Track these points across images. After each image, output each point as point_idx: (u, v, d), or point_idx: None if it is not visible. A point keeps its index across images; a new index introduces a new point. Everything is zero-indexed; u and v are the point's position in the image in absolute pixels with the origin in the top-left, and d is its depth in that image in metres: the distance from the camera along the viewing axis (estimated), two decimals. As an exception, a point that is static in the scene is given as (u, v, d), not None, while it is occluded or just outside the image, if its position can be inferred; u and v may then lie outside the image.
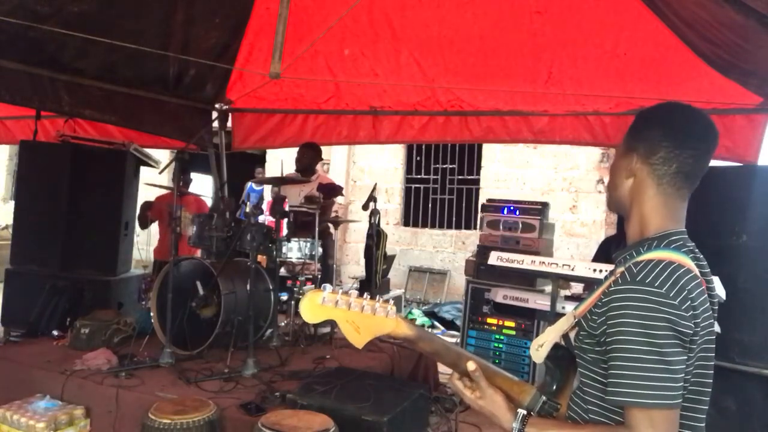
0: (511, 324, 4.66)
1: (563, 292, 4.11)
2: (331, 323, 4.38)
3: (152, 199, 5.85)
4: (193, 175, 6.21)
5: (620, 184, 1.35)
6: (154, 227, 5.98)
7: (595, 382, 1.26)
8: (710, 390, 1.25)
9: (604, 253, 4.45)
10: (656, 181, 1.30)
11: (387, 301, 1.26)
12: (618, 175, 1.36)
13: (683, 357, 1.16)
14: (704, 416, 1.24)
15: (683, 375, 1.16)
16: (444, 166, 9.56)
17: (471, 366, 1.29)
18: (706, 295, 1.23)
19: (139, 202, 5.71)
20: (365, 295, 1.26)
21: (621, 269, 1.27)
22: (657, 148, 1.29)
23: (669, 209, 1.31)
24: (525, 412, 1.26)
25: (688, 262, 1.23)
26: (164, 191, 5.74)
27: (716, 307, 1.29)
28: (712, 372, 1.24)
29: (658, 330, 1.14)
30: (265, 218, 5.97)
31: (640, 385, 1.13)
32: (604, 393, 1.23)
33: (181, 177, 5.65)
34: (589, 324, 1.27)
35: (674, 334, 1.14)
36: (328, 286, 1.25)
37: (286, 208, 4.60)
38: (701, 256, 1.29)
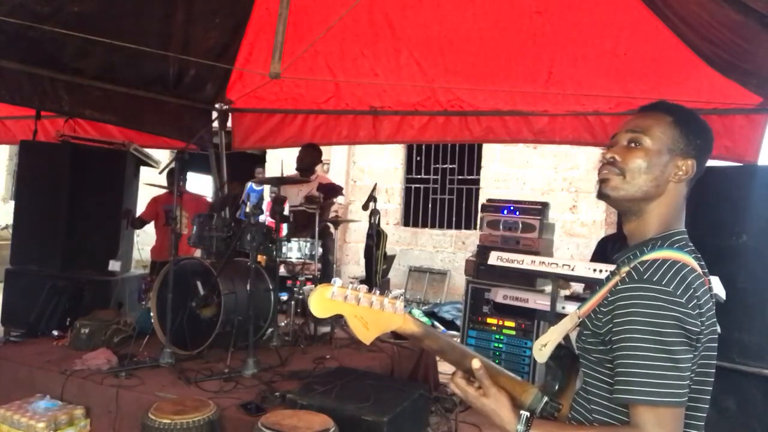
0: (511, 324, 4.65)
1: (563, 292, 4.11)
2: (332, 323, 4.43)
3: (149, 200, 5.85)
4: (194, 176, 6.20)
5: (661, 184, 1.30)
6: (151, 228, 5.97)
7: (600, 382, 1.26)
8: (711, 389, 1.25)
9: (601, 253, 4.45)
10: (688, 186, 1.33)
11: (395, 297, 1.25)
12: (660, 175, 1.30)
13: (690, 355, 1.16)
14: (704, 415, 1.25)
15: (689, 374, 1.16)
16: (444, 166, 9.56)
17: (476, 364, 1.29)
18: (709, 294, 1.24)
19: (140, 202, 5.71)
20: (374, 290, 1.25)
21: (625, 269, 1.27)
22: (704, 156, 1.33)
23: (681, 210, 1.34)
24: (528, 413, 1.25)
25: (691, 261, 1.24)
26: (160, 192, 5.73)
27: (715, 307, 1.30)
28: (714, 371, 1.25)
29: (667, 328, 1.14)
30: (266, 218, 5.98)
31: (648, 383, 1.13)
32: (608, 393, 1.23)
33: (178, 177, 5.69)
34: (593, 323, 1.27)
35: (682, 332, 1.15)
36: (337, 280, 1.24)
37: (286, 212, 4.60)
38: (700, 255, 1.30)
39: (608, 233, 7.66)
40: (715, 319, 1.24)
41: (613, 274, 1.36)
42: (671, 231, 1.30)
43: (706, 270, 1.29)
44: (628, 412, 1.19)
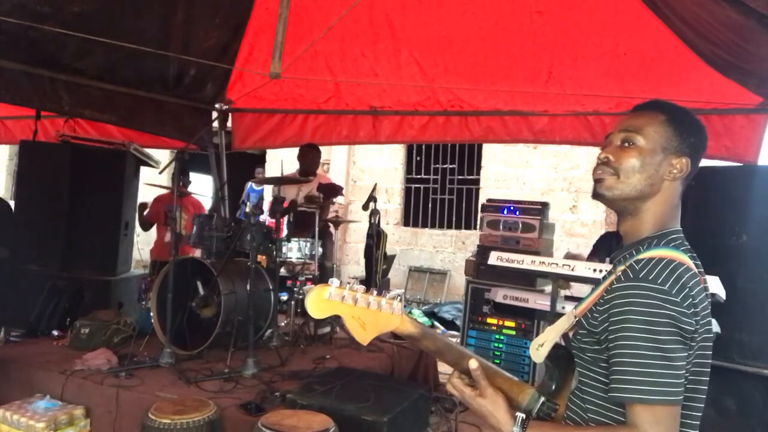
0: (511, 324, 4.66)
1: (563, 292, 4.11)
2: (332, 323, 4.43)
3: (152, 199, 5.85)
4: (193, 176, 6.21)
5: (655, 182, 1.30)
6: (153, 228, 5.98)
7: (595, 381, 1.26)
8: (706, 388, 1.25)
9: (605, 247, 4.41)
10: (683, 184, 1.33)
11: (393, 297, 1.25)
12: (655, 174, 1.30)
13: (684, 354, 1.17)
14: (700, 414, 1.25)
15: (684, 372, 1.17)
16: (444, 166, 9.56)
17: (473, 364, 1.29)
18: (705, 293, 1.24)
19: (140, 202, 5.71)
20: (371, 290, 1.25)
21: (621, 267, 1.27)
22: (698, 154, 1.33)
23: (676, 209, 1.34)
24: (524, 415, 1.25)
25: (687, 260, 1.24)
26: (162, 192, 5.73)
27: (712, 306, 1.30)
28: (709, 370, 1.25)
29: (662, 327, 1.14)
30: (265, 219, 5.98)
31: (644, 382, 1.13)
32: (603, 392, 1.23)
33: (181, 177, 5.73)
34: (589, 322, 1.28)
35: (677, 331, 1.15)
36: (335, 280, 1.24)
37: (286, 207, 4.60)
38: (696, 254, 1.30)
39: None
40: (710, 318, 1.25)
41: (609, 273, 1.36)
42: (667, 230, 1.30)
43: (702, 269, 1.29)
44: (622, 411, 1.19)
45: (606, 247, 4.38)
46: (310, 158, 5.38)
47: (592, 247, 4.69)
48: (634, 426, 1.14)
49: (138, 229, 5.82)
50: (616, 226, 1.42)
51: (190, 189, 5.93)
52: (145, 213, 5.71)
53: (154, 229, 5.97)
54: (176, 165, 4.06)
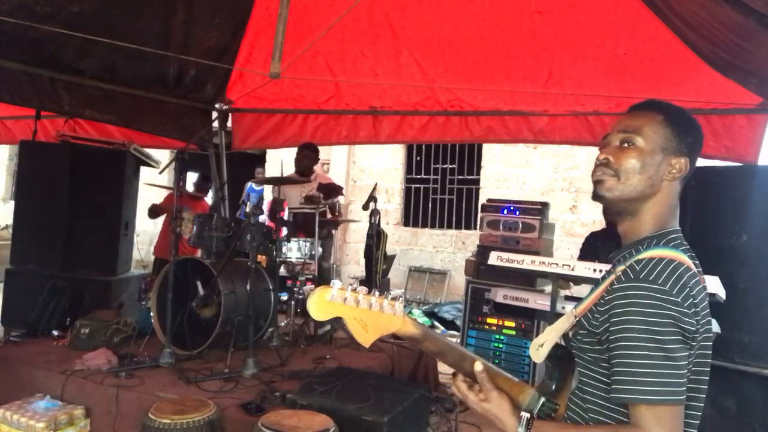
0: (511, 324, 4.66)
1: (563, 292, 4.11)
2: (332, 322, 4.43)
3: (153, 201, 5.86)
4: (193, 176, 6.22)
5: (655, 183, 1.30)
6: (153, 228, 5.99)
7: (595, 381, 1.26)
8: (706, 388, 1.25)
9: (591, 251, 4.39)
10: (682, 184, 1.33)
11: (395, 298, 1.24)
12: (655, 174, 1.30)
13: (686, 354, 1.16)
14: (700, 414, 1.25)
15: (686, 372, 1.17)
16: (444, 166, 9.55)
17: (478, 367, 1.29)
18: (704, 293, 1.25)
19: (140, 202, 5.72)
20: (373, 291, 1.24)
21: (621, 267, 1.27)
22: (696, 154, 1.33)
23: (675, 209, 1.34)
24: (528, 415, 1.25)
25: (687, 260, 1.24)
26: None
27: (711, 306, 1.30)
28: (709, 370, 1.25)
29: (663, 327, 1.14)
30: (265, 219, 5.98)
31: (646, 382, 1.13)
32: (603, 392, 1.23)
33: (202, 184, 6.12)
34: (590, 323, 1.27)
35: (678, 330, 1.15)
36: (337, 282, 1.23)
37: (285, 216, 4.60)
38: (695, 254, 1.30)
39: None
40: (710, 318, 1.25)
41: (609, 273, 1.36)
42: (666, 229, 1.30)
43: (701, 269, 1.29)
44: (623, 411, 1.19)
45: (591, 250, 4.35)
46: (305, 158, 5.38)
47: (579, 251, 4.65)
48: (637, 426, 1.14)
49: (138, 228, 5.82)
50: (605, 223, 1.42)
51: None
52: (159, 203, 5.75)
53: (158, 228, 5.98)
54: (176, 165, 4.07)
